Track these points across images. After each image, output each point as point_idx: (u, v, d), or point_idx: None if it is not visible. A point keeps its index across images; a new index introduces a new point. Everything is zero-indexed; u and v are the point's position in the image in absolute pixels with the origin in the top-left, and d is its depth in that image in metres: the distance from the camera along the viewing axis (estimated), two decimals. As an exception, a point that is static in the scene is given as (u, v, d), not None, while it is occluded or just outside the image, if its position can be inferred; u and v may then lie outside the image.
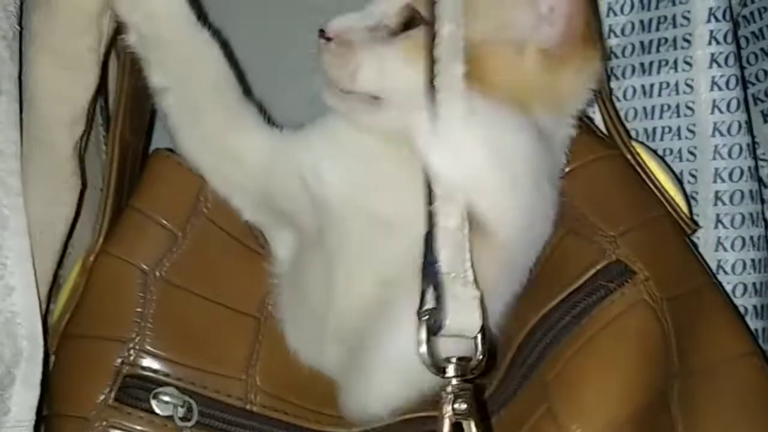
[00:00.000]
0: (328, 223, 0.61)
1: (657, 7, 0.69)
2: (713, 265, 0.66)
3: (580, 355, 0.55)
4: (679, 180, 0.65)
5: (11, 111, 0.60)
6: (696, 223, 0.63)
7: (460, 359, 0.49)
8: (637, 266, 0.57)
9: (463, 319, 0.49)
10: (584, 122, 0.63)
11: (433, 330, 0.49)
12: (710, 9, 0.66)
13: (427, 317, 0.49)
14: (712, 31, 0.66)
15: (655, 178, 0.61)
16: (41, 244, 0.61)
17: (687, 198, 0.63)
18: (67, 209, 0.63)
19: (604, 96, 0.63)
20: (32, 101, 0.61)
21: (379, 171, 0.61)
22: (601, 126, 0.64)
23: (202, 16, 0.63)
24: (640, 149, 0.62)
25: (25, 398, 0.57)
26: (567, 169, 0.61)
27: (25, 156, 0.61)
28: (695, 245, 0.64)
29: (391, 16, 0.60)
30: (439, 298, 0.49)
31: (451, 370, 0.49)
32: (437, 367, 0.49)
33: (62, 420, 0.60)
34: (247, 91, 0.65)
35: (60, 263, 0.65)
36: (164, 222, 0.63)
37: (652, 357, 0.55)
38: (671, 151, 0.69)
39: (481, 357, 0.50)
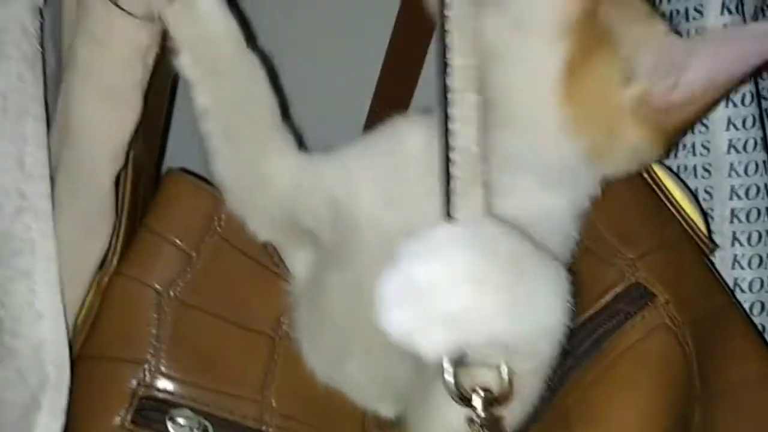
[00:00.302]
0: (357, 244, 0.60)
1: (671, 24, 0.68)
2: (730, 283, 0.66)
3: (601, 381, 0.55)
4: (696, 199, 0.65)
5: (39, 133, 0.60)
6: (714, 243, 0.63)
7: (485, 390, 0.48)
8: (656, 289, 0.57)
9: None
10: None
11: (458, 359, 0.48)
12: (725, 25, 0.66)
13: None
14: (727, 48, 0.66)
15: (673, 197, 0.61)
16: (73, 274, 0.60)
17: (705, 217, 0.63)
18: (101, 242, 0.62)
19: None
20: (74, 134, 0.61)
21: (416, 197, 0.59)
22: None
23: (251, 40, 0.63)
24: (656, 168, 0.62)
25: (49, 425, 0.57)
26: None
27: (65, 188, 0.61)
28: (712, 263, 0.64)
29: None
30: None
31: (476, 401, 0.48)
32: (462, 397, 0.48)
33: (79, 442, 0.59)
34: (287, 115, 0.65)
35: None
36: (178, 242, 0.63)
37: (673, 382, 0.55)
38: (686, 167, 0.68)
39: (508, 387, 0.49)
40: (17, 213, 0.58)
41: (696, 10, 0.68)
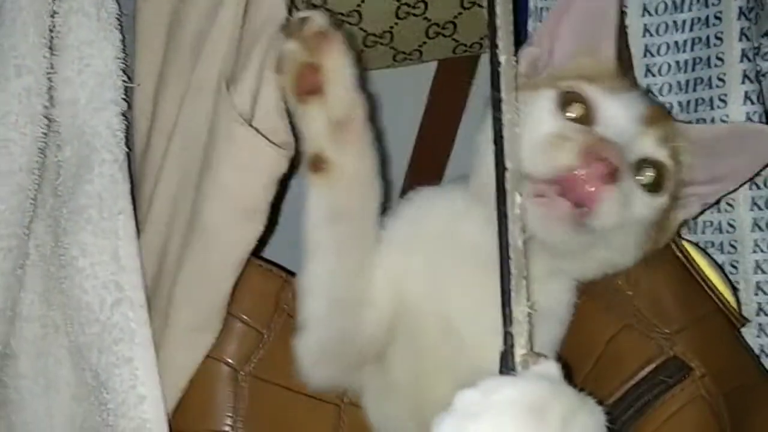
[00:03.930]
0: (408, 325, 0.66)
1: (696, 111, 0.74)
2: (756, 349, 0.71)
3: (643, 449, 0.60)
4: (726, 276, 0.69)
5: (129, 228, 0.65)
6: (745, 318, 0.67)
7: None
8: (693, 363, 0.62)
9: None
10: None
11: None
12: (747, 113, 0.71)
13: None
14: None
15: (705, 274, 0.66)
16: (180, 364, 0.66)
17: (735, 293, 0.68)
18: (213, 336, 0.68)
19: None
20: (206, 241, 0.65)
21: (452, 272, 0.65)
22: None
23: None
24: (689, 247, 0.67)
25: None
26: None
27: (186, 286, 0.66)
28: (742, 336, 0.68)
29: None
30: None
31: None
32: None
33: None
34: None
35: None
36: (250, 322, 0.69)
37: (710, 451, 0.60)
38: (713, 243, 0.74)
39: None
40: (116, 304, 0.64)
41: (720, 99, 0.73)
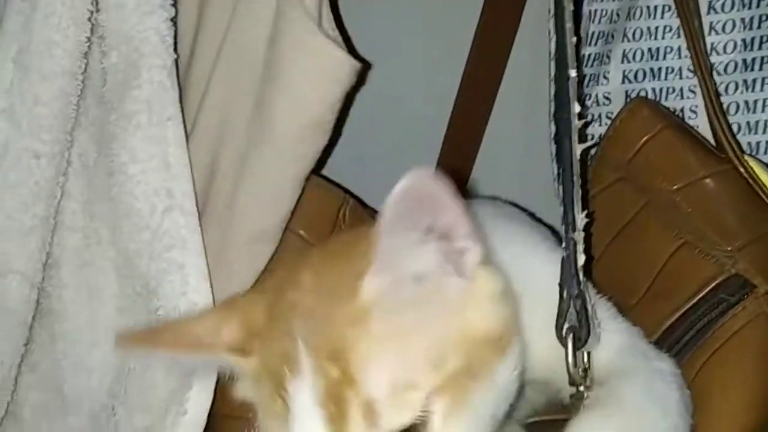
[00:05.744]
0: None
1: (759, 27, 0.72)
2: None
3: (706, 369, 0.59)
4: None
5: (179, 135, 0.64)
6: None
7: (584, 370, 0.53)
8: (756, 280, 0.60)
9: (595, 335, 0.53)
10: (697, 136, 0.67)
11: (578, 345, 0.53)
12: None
13: (572, 333, 0.53)
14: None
15: None
16: (241, 275, 0.65)
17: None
18: (272, 247, 0.67)
19: (717, 110, 0.66)
20: (274, 155, 0.64)
21: None
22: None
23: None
24: (752, 163, 0.65)
25: (199, 401, 0.62)
26: (681, 184, 0.64)
27: (245, 197, 0.65)
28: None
29: None
30: (583, 317, 0.53)
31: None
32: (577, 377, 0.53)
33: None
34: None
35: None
36: (308, 237, 0.68)
37: (776, 367, 0.59)
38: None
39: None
40: (167, 210, 0.63)
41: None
